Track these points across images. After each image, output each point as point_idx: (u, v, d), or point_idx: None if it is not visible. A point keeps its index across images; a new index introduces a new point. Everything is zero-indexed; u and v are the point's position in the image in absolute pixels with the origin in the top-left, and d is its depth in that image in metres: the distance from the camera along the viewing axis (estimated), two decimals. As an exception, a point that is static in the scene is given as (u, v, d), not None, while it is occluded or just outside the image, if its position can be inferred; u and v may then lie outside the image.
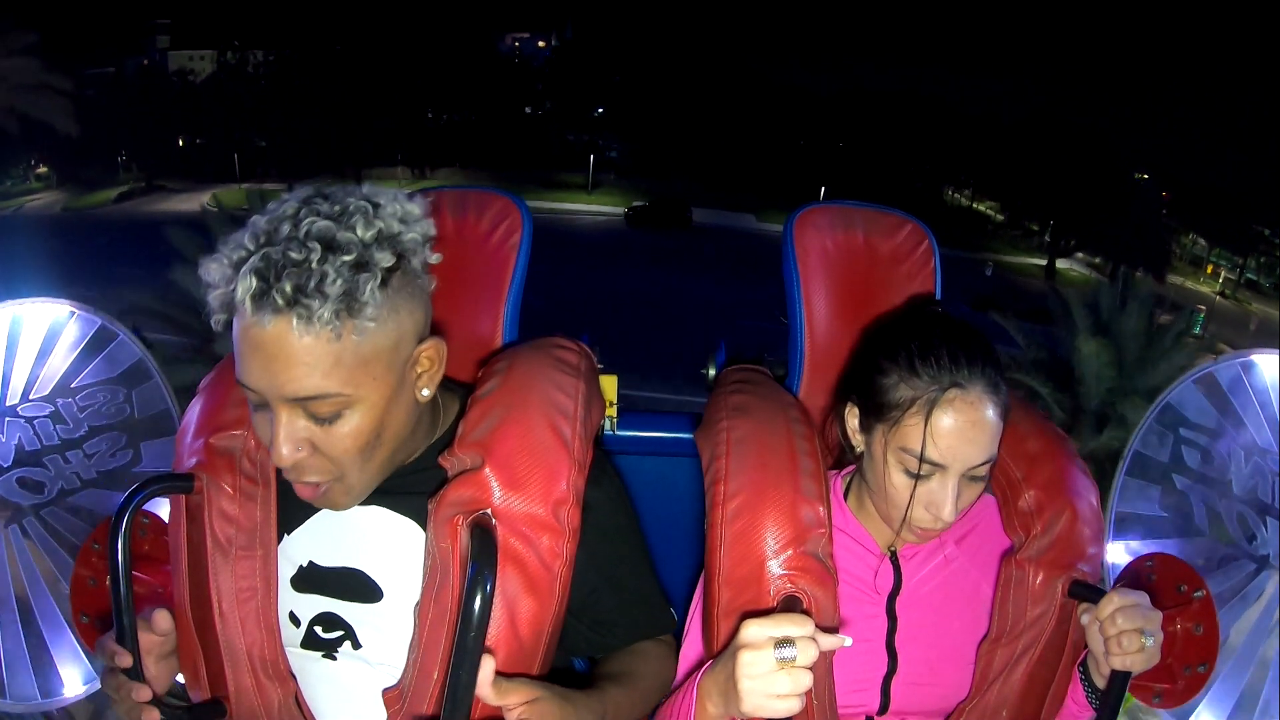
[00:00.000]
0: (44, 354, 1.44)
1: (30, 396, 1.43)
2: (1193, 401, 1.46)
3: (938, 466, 0.88)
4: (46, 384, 1.43)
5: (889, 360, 0.92)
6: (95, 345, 1.46)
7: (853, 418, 0.98)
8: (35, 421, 1.43)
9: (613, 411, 1.33)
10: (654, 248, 25.08)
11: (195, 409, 0.95)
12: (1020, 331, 8.49)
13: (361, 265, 0.75)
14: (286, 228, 0.75)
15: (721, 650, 0.82)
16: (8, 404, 1.42)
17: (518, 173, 32.06)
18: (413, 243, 0.80)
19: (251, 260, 0.73)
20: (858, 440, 0.98)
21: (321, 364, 0.75)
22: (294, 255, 0.73)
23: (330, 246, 0.74)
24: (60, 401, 1.43)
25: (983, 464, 0.89)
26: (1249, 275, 32.47)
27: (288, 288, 0.72)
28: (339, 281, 0.73)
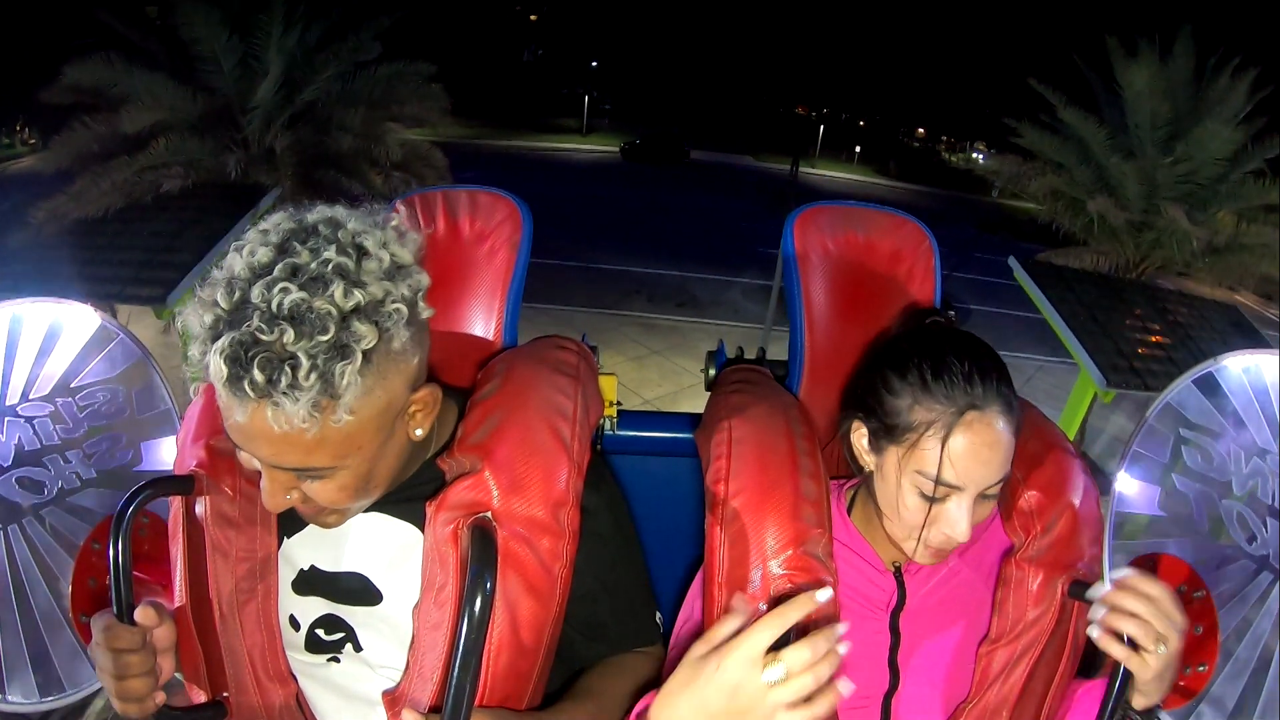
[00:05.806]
0: (44, 354, 1.44)
1: (30, 396, 1.43)
2: (1193, 401, 1.46)
3: (954, 488, 0.88)
4: (46, 384, 1.43)
5: (900, 380, 0.90)
6: (95, 345, 1.46)
7: (860, 436, 0.96)
8: (35, 421, 1.43)
9: (612, 411, 1.33)
10: (653, 176, 25.53)
11: (195, 409, 0.95)
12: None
13: (339, 347, 0.68)
14: (258, 292, 0.67)
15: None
16: (8, 404, 1.42)
17: (510, 118, 31.56)
18: (395, 314, 0.72)
19: (221, 339, 0.66)
20: (866, 460, 0.96)
21: (302, 445, 0.71)
22: (264, 337, 0.66)
23: (303, 323, 0.67)
24: (60, 401, 1.43)
25: (997, 483, 0.88)
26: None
27: (258, 378, 0.66)
28: (313, 374, 0.66)
